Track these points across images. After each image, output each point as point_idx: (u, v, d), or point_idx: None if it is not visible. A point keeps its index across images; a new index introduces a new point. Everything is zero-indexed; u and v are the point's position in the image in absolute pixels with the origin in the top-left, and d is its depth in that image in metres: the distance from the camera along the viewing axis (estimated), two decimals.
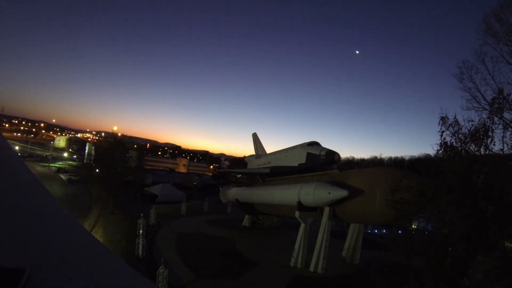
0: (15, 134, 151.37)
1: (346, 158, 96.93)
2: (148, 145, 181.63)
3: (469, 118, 10.88)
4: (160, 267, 15.47)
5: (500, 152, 9.93)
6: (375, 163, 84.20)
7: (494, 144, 9.91)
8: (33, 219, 1.96)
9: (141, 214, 25.40)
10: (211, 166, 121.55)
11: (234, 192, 39.52)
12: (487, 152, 10.11)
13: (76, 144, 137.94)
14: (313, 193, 21.78)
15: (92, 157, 56.07)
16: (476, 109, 11.58)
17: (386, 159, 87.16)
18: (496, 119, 10.19)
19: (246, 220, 37.37)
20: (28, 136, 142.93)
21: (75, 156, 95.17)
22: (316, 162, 26.81)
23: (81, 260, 1.59)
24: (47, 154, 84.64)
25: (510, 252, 8.89)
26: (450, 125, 10.93)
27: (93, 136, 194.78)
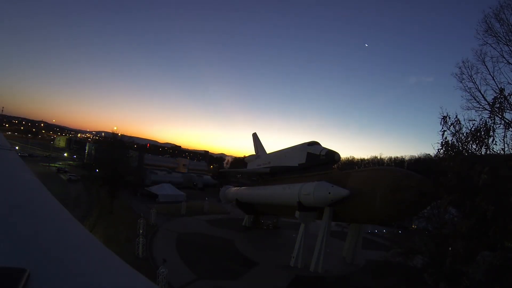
0: (15, 134, 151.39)
1: (346, 158, 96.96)
2: (148, 145, 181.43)
3: (469, 118, 10.90)
4: (160, 267, 15.48)
5: (501, 152, 9.94)
6: (375, 163, 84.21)
7: (495, 144, 9.92)
8: (33, 219, 1.95)
9: (141, 214, 25.43)
10: (211, 166, 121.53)
11: (234, 192, 39.54)
12: (488, 152, 10.12)
13: (76, 144, 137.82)
14: (313, 193, 21.77)
15: (92, 157, 56.17)
16: (476, 109, 11.59)
17: (386, 159, 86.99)
18: (497, 119, 10.20)
19: (246, 220, 37.40)
20: (28, 136, 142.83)
21: (75, 156, 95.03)
22: (316, 162, 26.83)
23: (81, 260, 1.58)
24: (47, 154, 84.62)
25: (511, 252, 8.88)
26: (451, 124, 10.95)
27: (93, 136, 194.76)
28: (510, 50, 11.30)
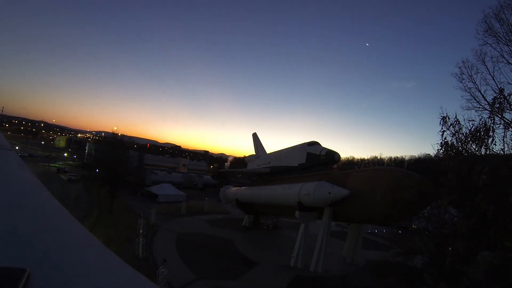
0: (15, 134, 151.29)
1: (346, 158, 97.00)
2: (148, 145, 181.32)
3: (469, 118, 10.90)
4: (160, 267, 15.49)
5: (501, 152, 9.93)
6: (375, 163, 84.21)
7: (495, 144, 9.91)
8: (33, 219, 1.95)
9: (141, 214, 25.43)
10: (211, 166, 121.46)
11: (234, 192, 39.54)
12: (488, 152, 10.11)
13: (76, 144, 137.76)
14: (313, 193, 21.78)
15: (92, 157, 56.17)
16: (476, 109, 11.58)
17: (386, 159, 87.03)
18: (496, 119, 10.19)
19: (246, 220, 37.41)
20: (28, 136, 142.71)
21: (75, 156, 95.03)
22: (316, 162, 26.83)
23: (81, 260, 1.58)
24: (47, 154, 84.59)
25: (511, 252, 8.87)
26: (451, 124, 10.95)
27: (93, 136, 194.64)
28: (510, 50, 11.30)
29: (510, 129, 9.97)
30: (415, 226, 23.98)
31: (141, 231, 22.38)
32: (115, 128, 57.08)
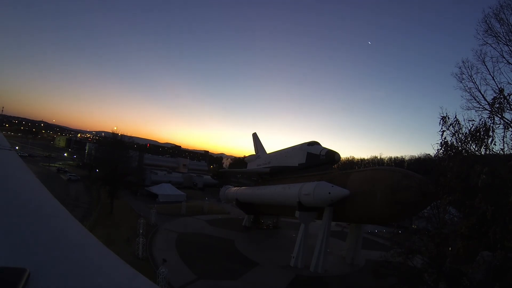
0: (15, 134, 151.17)
1: (346, 158, 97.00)
2: (148, 145, 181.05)
3: (469, 118, 10.89)
4: (160, 267, 15.49)
5: (501, 152, 9.92)
6: (375, 163, 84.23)
7: (494, 144, 9.90)
8: (33, 219, 1.95)
9: (141, 214, 25.45)
10: (211, 166, 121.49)
11: (234, 192, 39.56)
12: (488, 152, 10.10)
13: (76, 144, 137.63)
14: (313, 193, 21.79)
15: (92, 157, 56.14)
16: (476, 109, 11.58)
17: (386, 159, 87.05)
18: (496, 119, 10.19)
19: (246, 220, 37.42)
20: (28, 136, 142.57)
21: (75, 156, 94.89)
22: (316, 162, 26.84)
23: (81, 260, 1.59)
24: (47, 154, 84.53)
25: (511, 252, 8.87)
26: (450, 124, 10.94)
27: (93, 136, 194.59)
28: (510, 50, 11.30)
29: (510, 129, 9.96)
30: (415, 226, 23.95)
31: (141, 231, 22.39)
32: (115, 128, 57.10)
